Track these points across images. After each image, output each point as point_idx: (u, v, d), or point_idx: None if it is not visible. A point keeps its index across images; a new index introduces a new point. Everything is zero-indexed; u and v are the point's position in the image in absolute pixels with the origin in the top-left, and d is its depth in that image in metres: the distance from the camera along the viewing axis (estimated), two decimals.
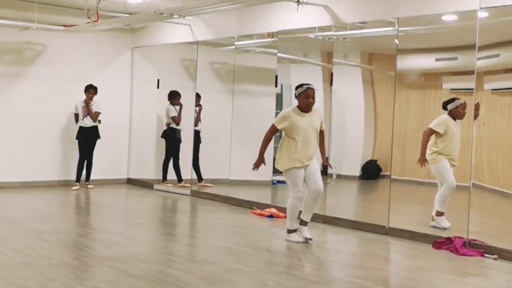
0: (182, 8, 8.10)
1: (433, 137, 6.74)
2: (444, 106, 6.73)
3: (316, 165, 6.16)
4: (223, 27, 9.20)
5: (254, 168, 6.25)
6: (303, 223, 6.17)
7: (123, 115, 11.01)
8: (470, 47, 6.14)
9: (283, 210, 7.85)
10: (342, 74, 7.84)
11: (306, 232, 6.13)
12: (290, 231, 6.21)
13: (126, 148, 11.08)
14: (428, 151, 6.75)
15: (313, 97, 6.10)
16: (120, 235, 6.41)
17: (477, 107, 6.27)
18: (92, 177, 10.16)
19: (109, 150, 10.75)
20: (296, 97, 6.18)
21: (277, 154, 6.22)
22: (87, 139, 9.95)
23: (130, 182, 11.00)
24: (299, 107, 6.15)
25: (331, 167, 6.74)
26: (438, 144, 6.70)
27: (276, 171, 9.15)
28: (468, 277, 5.13)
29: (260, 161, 6.23)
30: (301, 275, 4.92)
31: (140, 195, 9.73)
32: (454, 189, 6.56)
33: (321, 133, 6.29)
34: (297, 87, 6.19)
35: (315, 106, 6.21)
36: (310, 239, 6.06)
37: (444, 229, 6.49)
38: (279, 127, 6.15)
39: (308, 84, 6.15)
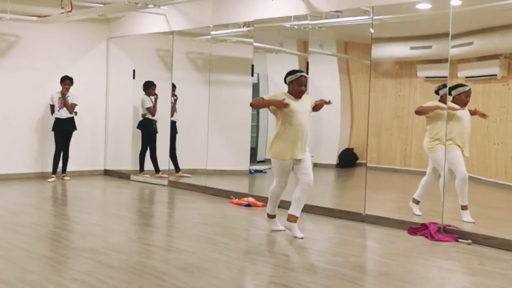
0: None
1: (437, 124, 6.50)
2: (436, 91, 6.58)
3: (308, 157, 6.01)
4: (198, 16, 9.17)
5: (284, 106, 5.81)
6: (292, 218, 5.90)
7: (99, 106, 10.94)
8: (444, 35, 6.20)
9: (261, 199, 7.90)
10: (318, 63, 7.86)
11: (297, 230, 5.87)
12: (270, 216, 6.18)
13: (103, 139, 11.02)
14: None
15: (306, 85, 5.99)
16: (97, 226, 6.39)
17: (468, 94, 6.32)
18: (68, 168, 10.09)
19: (86, 142, 10.68)
20: (287, 83, 5.97)
21: (271, 140, 6.01)
22: (64, 130, 9.87)
23: (107, 173, 10.94)
24: (290, 93, 5.96)
25: (329, 102, 6.13)
26: (435, 131, 6.52)
27: (253, 161, 9.22)
28: (443, 262, 5.22)
29: (278, 103, 5.81)
30: (278, 263, 4.95)
31: (117, 186, 9.69)
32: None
33: (315, 104, 6.07)
34: (289, 73, 5.98)
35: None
36: (301, 238, 5.82)
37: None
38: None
39: (302, 72, 5.99)
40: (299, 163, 5.93)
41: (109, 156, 11.01)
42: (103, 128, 11.01)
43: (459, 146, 6.36)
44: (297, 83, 5.92)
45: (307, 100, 6.05)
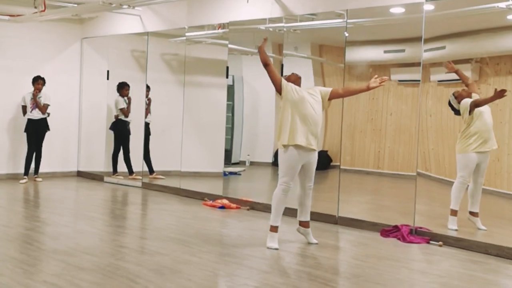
0: None
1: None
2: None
3: (315, 160, 5.68)
4: (173, 18, 9.14)
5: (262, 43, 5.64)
6: (305, 224, 5.78)
7: (72, 106, 10.84)
8: (417, 39, 6.27)
9: (235, 201, 7.89)
10: (293, 66, 7.88)
11: (311, 236, 5.77)
12: (273, 229, 5.59)
13: (76, 141, 10.92)
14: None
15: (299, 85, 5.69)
16: (68, 228, 6.33)
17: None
18: (41, 170, 9.98)
19: (58, 143, 10.58)
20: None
21: (278, 129, 5.60)
22: (36, 131, 9.76)
23: (80, 175, 10.84)
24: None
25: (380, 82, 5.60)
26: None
27: (227, 163, 9.21)
28: (414, 263, 5.27)
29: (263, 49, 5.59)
30: (251, 265, 4.95)
31: (90, 188, 9.61)
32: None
33: (334, 91, 5.70)
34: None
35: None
36: (316, 243, 5.73)
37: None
38: (284, 85, 5.59)
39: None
40: (307, 165, 5.60)
41: (82, 158, 10.91)
42: (76, 129, 10.91)
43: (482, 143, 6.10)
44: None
45: (315, 91, 5.68)
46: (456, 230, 6.09)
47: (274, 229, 5.59)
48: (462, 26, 6.51)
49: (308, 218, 5.80)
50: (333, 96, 5.68)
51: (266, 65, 5.56)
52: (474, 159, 6.08)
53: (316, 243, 5.74)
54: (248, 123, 9.73)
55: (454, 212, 6.19)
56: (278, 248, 5.47)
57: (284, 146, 5.51)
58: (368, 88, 5.60)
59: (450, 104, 6.34)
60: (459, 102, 6.25)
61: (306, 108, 5.50)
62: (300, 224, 5.83)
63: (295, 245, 5.89)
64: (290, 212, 7.22)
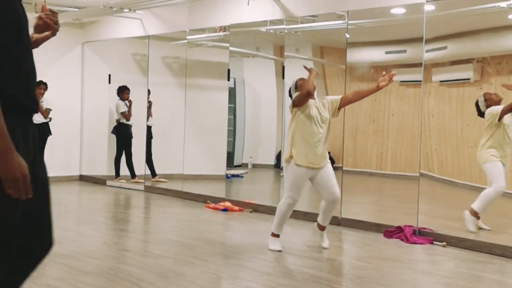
0: (133, 2, 8.03)
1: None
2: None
3: (330, 170, 5.40)
4: (174, 21, 9.15)
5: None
6: (321, 227, 5.58)
7: (74, 111, 10.85)
8: (418, 39, 6.26)
9: (237, 203, 7.89)
10: (294, 68, 7.88)
11: (325, 239, 5.59)
12: (274, 235, 5.52)
13: (78, 145, 10.92)
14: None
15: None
16: (71, 232, 6.32)
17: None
18: None
19: (61, 147, 10.57)
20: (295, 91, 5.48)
21: (287, 142, 5.37)
22: (38, 136, 9.74)
23: (83, 179, 10.85)
24: None
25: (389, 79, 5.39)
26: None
27: (230, 165, 9.20)
28: (418, 264, 5.26)
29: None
30: (255, 267, 4.94)
31: (92, 191, 9.61)
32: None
33: (344, 98, 5.52)
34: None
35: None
36: (326, 248, 5.54)
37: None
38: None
39: (297, 79, 5.50)
40: (320, 178, 5.34)
41: (85, 162, 10.92)
42: (78, 133, 10.92)
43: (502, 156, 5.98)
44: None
45: (324, 104, 5.41)
46: (489, 229, 5.97)
47: (275, 236, 5.52)
48: (463, 26, 6.51)
49: (326, 224, 5.57)
50: (343, 104, 5.48)
51: (308, 94, 5.25)
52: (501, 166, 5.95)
53: (326, 248, 5.56)
54: (250, 125, 9.73)
55: (476, 214, 5.98)
56: (281, 250, 5.44)
57: (286, 160, 5.35)
58: (378, 88, 5.41)
59: (477, 105, 6.15)
60: (487, 106, 6.04)
61: (310, 125, 5.29)
62: (317, 226, 5.65)
63: (298, 247, 5.88)
64: (293, 215, 7.21)
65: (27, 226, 2.28)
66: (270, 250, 5.46)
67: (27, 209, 2.20)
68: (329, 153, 7.92)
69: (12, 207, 2.14)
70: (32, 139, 2.34)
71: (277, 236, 5.52)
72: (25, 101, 2.28)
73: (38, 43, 2.72)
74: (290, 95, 5.56)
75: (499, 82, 6.22)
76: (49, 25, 2.66)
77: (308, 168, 5.27)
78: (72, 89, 10.79)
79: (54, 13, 2.68)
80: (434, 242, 5.91)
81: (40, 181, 2.33)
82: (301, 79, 5.47)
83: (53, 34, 2.74)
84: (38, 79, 10.34)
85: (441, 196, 6.72)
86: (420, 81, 6.32)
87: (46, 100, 9.76)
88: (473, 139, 6.40)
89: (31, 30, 2.50)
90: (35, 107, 2.33)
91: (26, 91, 2.31)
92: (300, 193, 5.37)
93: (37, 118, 9.71)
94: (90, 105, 10.84)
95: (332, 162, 7.74)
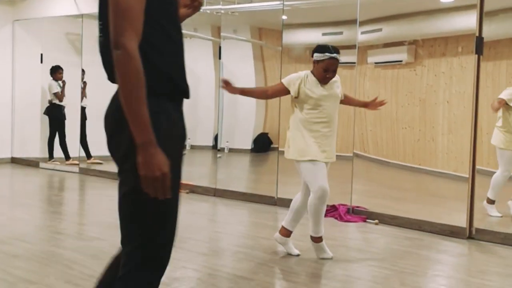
0: None
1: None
2: None
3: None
4: None
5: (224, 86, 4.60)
6: (317, 239, 4.76)
7: (5, 91, 10.50)
8: (353, 22, 6.34)
9: None
10: (232, 49, 7.86)
11: (326, 250, 4.78)
12: (317, 240, 4.77)
13: (9, 126, 10.59)
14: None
15: (334, 71, 4.54)
16: (3, 216, 6.14)
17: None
18: None
19: None
20: (313, 62, 4.59)
21: (289, 139, 4.79)
22: None
23: (14, 161, 10.54)
24: (314, 75, 4.59)
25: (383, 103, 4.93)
26: None
27: None
28: (351, 242, 5.37)
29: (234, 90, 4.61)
30: (190, 247, 4.93)
31: (25, 174, 9.35)
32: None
33: (346, 98, 4.87)
34: (316, 50, 4.57)
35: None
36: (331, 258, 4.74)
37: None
38: (290, 88, 4.59)
39: (333, 52, 4.51)
40: None
41: (17, 143, 10.61)
42: (9, 114, 10.58)
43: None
44: (322, 66, 4.51)
45: (337, 86, 4.68)
46: (501, 216, 5.88)
47: (318, 240, 4.76)
48: (398, 9, 6.60)
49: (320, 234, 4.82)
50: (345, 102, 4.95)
51: (242, 93, 4.76)
52: None
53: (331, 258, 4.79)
54: (188, 106, 9.60)
55: (492, 201, 5.89)
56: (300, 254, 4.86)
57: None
58: (365, 107, 5.07)
59: None
60: None
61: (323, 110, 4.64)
62: (314, 240, 4.81)
63: (234, 226, 5.91)
64: (228, 194, 7.24)
65: None
66: (320, 258, 4.71)
67: None
68: (267, 134, 8.02)
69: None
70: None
71: (320, 239, 4.74)
72: (186, 86, 2.10)
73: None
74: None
75: (431, 64, 6.36)
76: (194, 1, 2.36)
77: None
78: (3, 69, 10.43)
79: None
80: (367, 220, 6.05)
81: None
82: (328, 54, 4.53)
83: (194, 11, 2.43)
84: None
85: (375, 176, 6.85)
86: (354, 62, 6.40)
87: None
88: (406, 120, 6.54)
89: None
90: (189, 91, 2.13)
91: (184, 76, 2.11)
92: (326, 178, 4.74)
93: None
94: (22, 86, 10.51)
95: (270, 142, 7.82)
